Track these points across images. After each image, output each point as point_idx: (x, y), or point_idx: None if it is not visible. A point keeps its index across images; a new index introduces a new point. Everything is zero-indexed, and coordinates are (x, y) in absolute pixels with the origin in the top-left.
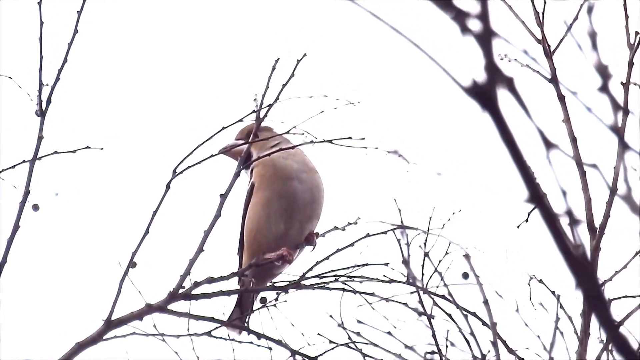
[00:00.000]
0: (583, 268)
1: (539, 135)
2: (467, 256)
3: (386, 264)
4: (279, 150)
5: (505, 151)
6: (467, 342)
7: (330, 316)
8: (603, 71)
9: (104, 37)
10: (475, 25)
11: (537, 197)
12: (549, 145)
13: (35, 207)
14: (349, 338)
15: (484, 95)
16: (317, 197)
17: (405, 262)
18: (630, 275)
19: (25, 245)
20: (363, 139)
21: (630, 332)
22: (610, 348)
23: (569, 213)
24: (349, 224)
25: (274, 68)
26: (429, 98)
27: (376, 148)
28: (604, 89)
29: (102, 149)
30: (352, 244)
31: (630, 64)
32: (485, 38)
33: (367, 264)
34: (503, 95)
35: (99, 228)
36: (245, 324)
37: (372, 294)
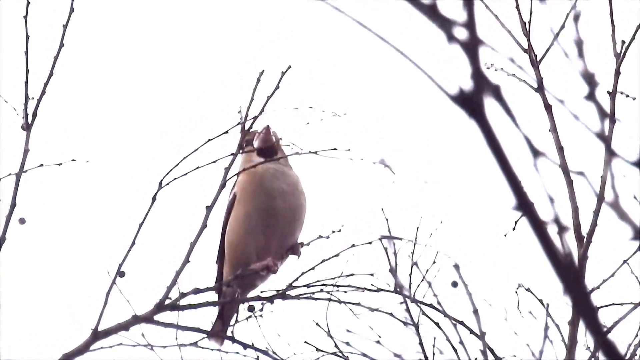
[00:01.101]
0: (571, 275)
1: (526, 143)
2: (456, 266)
3: (371, 274)
4: (276, 160)
5: (492, 159)
6: (455, 350)
7: (317, 324)
8: (590, 79)
9: (90, 50)
10: (461, 33)
11: (524, 205)
12: (536, 153)
13: (22, 221)
14: (336, 346)
15: (470, 103)
16: (298, 216)
17: (392, 271)
18: (618, 283)
19: (12, 259)
20: (349, 150)
21: (618, 340)
22: (597, 355)
23: (557, 220)
24: (333, 232)
25: (258, 80)
26: (415, 107)
27: (362, 159)
28: (591, 96)
29: (88, 161)
30: (337, 255)
31: (617, 73)
32: (472, 46)
33: (352, 274)
34: (490, 103)
35: (86, 241)
36: (230, 334)
37: (358, 304)
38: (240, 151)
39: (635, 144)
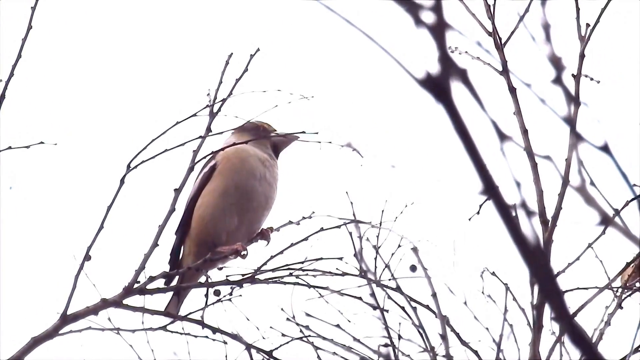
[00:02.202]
0: (537, 259)
1: (493, 126)
2: (415, 249)
3: (340, 258)
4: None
5: (459, 143)
6: (421, 335)
7: (282, 309)
8: (556, 63)
9: (58, 32)
10: (428, 17)
11: (491, 189)
12: (502, 136)
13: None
14: (301, 332)
15: (437, 87)
16: (269, 206)
17: (358, 256)
18: (583, 267)
19: None
20: (317, 133)
21: (583, 323)
22: (563, 340)
23: (523, 205)
24: (304, 218)
25: (227, 63)
26: (382, 91)
27: (330, 142)
28: (558, 80)
29: (56, 144)
30: (305, 239)
31: (582, 56)
32: (439, 30)
33: (321, 258)
34: (456, 87)
35: (54, 223)
36: (199, 318)
37: (326, 288)
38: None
39: (602, 129)
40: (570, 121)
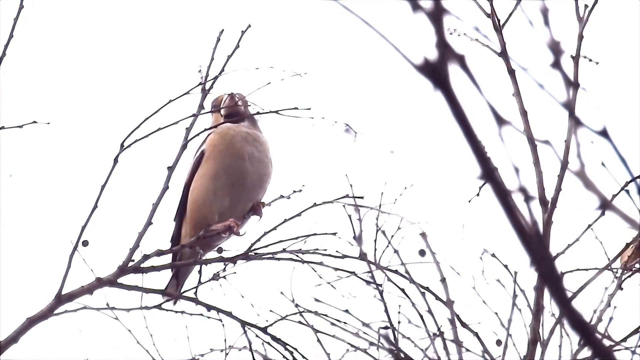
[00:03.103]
0: (536, 244)
1: (491, 111)
2: (423, 234)
3: (334, 234)
4: (250, 116)
5: (457, 128)
6: (422, 317)
7: (282, 293)
8: (555, 48)
9: (51, 11)
10: (426, 2)
11: (489, 175)
12: (501, 121)
13: None
14: (296, 306)
15: (435, 73)
16: (264, 183)
17: (357, 238)
18: (583, 248)
19: None
20: (309, 109)
21: (582, 304)
22: (562, 322)
23: (523, 190)
24: (294, 191)
25: (218, 39)
26: (379, 75)
27: (323, 118)
28: (556, 65)
29: (48, 123)
30: (299, 214)
31: (580, 37)
32: (437, 15)
33: (314, 234)
34: (455, 73)
35: (48, 202)
36: (193, 296)
37: (321, 263)
38: (210, 111)
39: (601, 113)
40: (569, 106)
